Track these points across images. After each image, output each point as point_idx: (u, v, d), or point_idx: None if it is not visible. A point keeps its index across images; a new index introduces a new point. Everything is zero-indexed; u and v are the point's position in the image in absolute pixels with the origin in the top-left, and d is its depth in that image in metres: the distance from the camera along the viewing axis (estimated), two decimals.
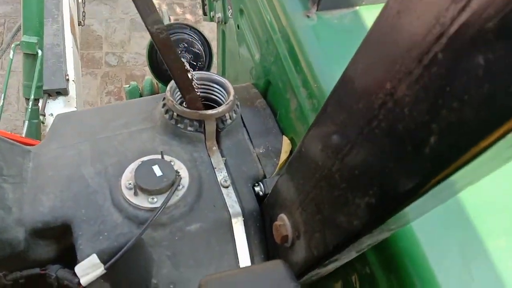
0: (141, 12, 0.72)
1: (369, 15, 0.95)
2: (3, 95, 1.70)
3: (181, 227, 0.80)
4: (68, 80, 2.39)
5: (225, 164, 0.91)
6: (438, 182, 0.39)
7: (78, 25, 3.19)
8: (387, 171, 0.45)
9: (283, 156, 0.96)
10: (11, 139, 0.87)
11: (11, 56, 1.72)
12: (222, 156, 0.92)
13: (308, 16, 0.91)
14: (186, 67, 0.92)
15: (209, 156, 0.92)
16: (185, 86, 0.87)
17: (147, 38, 3.78)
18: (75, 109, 2.35)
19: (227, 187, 0.87)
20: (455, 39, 0.34)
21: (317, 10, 0.91)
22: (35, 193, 0.80)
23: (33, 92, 1.73)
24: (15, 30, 2.28)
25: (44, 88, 2.05)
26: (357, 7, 0.94)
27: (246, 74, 1.21)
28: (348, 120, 0.51)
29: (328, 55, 0.87)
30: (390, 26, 0.42)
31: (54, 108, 2.29)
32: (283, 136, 0.99)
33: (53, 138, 0.92)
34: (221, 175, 0.89)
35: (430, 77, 0.38)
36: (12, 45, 1.69)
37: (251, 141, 0.97)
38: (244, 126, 1.00)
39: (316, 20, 0.90)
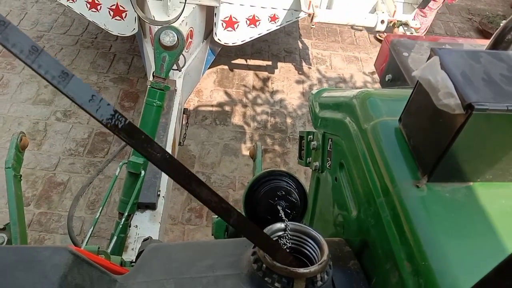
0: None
1: (484, 192, 0.89)
2: (101, 208, 1.81)
3: None
4: (158, 195, 2.53)
5: None
6: None
7: (178, 145, 3.49)
8: None
9: None
10: (101, 264, 0.87)
11: (116, 173, 1.87)
12: None
13: (417, 186, 0.87)
14: (282, 217, 0.90)
15: None
16: (271, 250, 0.85)
17: (236, 162, 3.97)
18: (159, 224, 2.43)
19: None
20: None
21: (427, 181, 0.87)
22: None
23: (128, 208, 1.82)
24: (123, 145, 2.52)
25: None
26: (471, 183, 0.89)
27: (337, 225, 1.16)
28: None
29: (439, 231, 0.80)
30: None
31: (140, 220, 2.39)
32: None
33: (140, 270, 0.91)
34: None
35: None
36: (120, 163, 1.85)
37: None
38: None
39: (426, 191, 0.86)
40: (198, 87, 4.78)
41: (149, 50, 3.69)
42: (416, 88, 0.90)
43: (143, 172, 1.83)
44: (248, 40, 3.80)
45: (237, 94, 4.89)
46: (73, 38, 5.18)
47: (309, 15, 3.31)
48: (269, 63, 5.36)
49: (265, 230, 0.94)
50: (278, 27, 3.71)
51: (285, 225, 0.95)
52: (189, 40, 3.49)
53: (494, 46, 1.06)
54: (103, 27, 3.68)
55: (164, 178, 2.66)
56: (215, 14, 3.55)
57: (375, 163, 0.96)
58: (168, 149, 2.84)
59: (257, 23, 3.62)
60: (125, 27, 3.60)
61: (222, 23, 3.58)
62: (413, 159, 0.93)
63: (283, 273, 0.85)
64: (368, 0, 3.50)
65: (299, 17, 3.63)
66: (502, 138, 0.81)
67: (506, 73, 0.82)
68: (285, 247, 0.95)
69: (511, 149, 0.83)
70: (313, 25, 3.33)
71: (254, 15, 3.56)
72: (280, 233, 0.96)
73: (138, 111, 4.37)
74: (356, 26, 3.48)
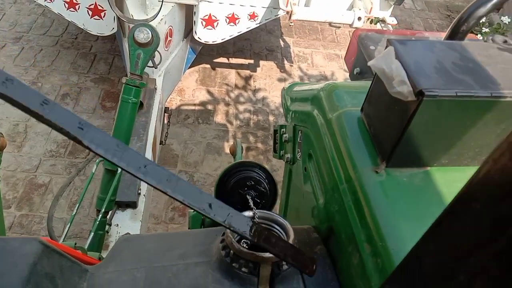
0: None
1: (440, 176, 0.93)
2: (78, 205, 1.82)
3: None
4: (139, 194, 2.53)
5: None
6: None
7: (160, 144, 3.49)
8: None
9: None
10: (73, 256, 0.89)
11: (93, 170, 1.88)
12: None
13: (376, 172, 0.91)
14: (251, 205, 0.93)
15: None
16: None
17: (219, 161, 3.99)
18: (140, 222, 2.43)
19: None
20: None
21: (386, 167, 0.91)
22: None
23: (105, 205, 1.83)
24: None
25: (116, 199, 2.18)
26: (428, 168, 0.93)
27: (308, 214, 1.19)
28: None
29: (396, 213, 0.84)
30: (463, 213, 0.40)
31: (121, 219, 2.39)
32: None
33: (112, 260, 0.93)
34: None
35: None
36: (97, 160, 1.86)
37: None
38: (301, 273, 0.95)
39: (385, 176, 0.90)
40: (180, 86, 4.79)
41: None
42: (375, 79, 0.93)
43: (119, 169, 1.84)
44: (228, 38, 3.82)
45: (219, 92, 4.90)
46: (53, 38, 5.14)
47: (287, 12, 3.35)
48: (251, 61, 5.38)
49: None
50: (258, 25, 3.74)
51: (253, 213, 0.98)
52: (169, 38, 3.50)
53: (450, 37, 1.11)
54: (82, 27, 3.66)
55: None
56: (195, 12, 3.56)
57: (339, 151, 1.00)
58: (149, 148, 2.84)
59: (237, 21, 3.65)
60: (104, 27, 3.59)
61: (201, 22, 3.60)
62: (374, 146, 0.96)
63: (250, 258, 0.88)
64: None
65: (278, 15, 3.66)
66: (454, 123, 0.85)
67: (458, 61, 0.86)
68: None
69: (464, 134, 0.87)
70: (291, 22, 3.37)
71: (233, 13, 3.58)
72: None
73: None
74: (334, 23, 3.53)
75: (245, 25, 3.72)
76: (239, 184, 1.10)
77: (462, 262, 0.40)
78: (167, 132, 3.67)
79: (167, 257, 0.95)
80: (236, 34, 3.80)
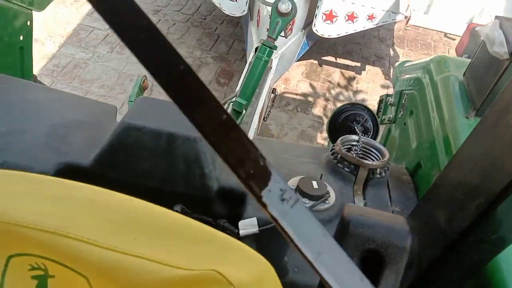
0: None
1: None
2: None
3: None
4: None
5: (364, 206, 1.13)
6: None
7: (262, 119, 3.88)
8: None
9: None
10: None
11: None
12: (364, 199, 1.15)
13: (467, 117, 1.14)
14: (357, 131, 1.22)
15: (353, 196, 1.15)
16: None
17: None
18: None
19: None
20: None
21: (476, 115, 1.14)
22: None
23: None
24: (233, 95, 2.91)
25: None
26: None
27: (400, 159, 1.45)
28: None
29: None
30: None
31: None
32: None
33: None
34: None
35: None
36: (228, 101, 2.27)
37: (390, 200, 1.18)
38: (388, 189, 1.21)
39: (473, 121, 1.13)
40: (287, 75, 5.16)
41: (253, 32, 4.13)
42: (480, 46, 1.16)
43: (244, 111, 2.23)
44: (343, 34, 4.09)
45: (321, 87, 5.19)
46: (185, 16, 5.82)
47: (406, 17, 3.53)
48: (358, 64, 5.58)
49: (340, 138, 1.27)
50: (374, 26, 3.96)
51: (358, 137, 1.27)
52: (290, 26, 3.87)
53: None
54: (217, 5, 4.19)
55: (251, 132, 3.04)
56: (318, 6, 3.90)
57: (438, 103, 1.24)
58: (257, 115, 3.21)
59: (355, 19, 3.91)
60: (236, 8, 4.08)
61: (322, 15, 3.92)
62: (469, 101, 1.19)
63: (352, 161, 1.17)
64: (466, 11, 3.64)
65: (395, 19, 3.85)
66: None
67: None
68: (355, 154, 1.26)
69: None
70: (407, 27, 3.54)
71: (353, 11, 3.85)
72: (354, 142, 1.28)
73: (231, 87, 4.86)
74: (450, 34, 3.63)
75: (362, 25, 3.97)
76: (349, 119, 1.39)
77: None
78: (269, 111, 4.04)
79: (287, 154, 1.28)
80: (351, 32, 4.06)
